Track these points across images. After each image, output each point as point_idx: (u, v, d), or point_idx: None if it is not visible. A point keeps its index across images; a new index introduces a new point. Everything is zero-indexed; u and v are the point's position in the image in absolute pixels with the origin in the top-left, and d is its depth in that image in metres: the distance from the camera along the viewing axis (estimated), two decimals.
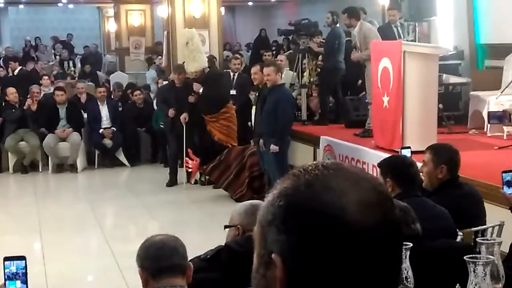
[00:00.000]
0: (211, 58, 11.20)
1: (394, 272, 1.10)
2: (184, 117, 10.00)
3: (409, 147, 5.60)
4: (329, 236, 1.03)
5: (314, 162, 1.13)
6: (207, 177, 10.08)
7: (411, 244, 2.69)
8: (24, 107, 11.80)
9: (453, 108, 9.83)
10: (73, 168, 11.79)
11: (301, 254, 1.05)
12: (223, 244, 3.48)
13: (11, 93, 11.98)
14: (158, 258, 2.95)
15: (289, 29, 11.78)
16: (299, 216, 1.05)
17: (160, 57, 16.75)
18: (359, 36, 8.94)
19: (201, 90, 9.88)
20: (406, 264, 2.68)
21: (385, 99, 7.80)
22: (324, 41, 11.02)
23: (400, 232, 1.10)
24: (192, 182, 10.20)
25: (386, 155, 6.68)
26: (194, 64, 10.07)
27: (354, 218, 1.04)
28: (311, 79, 11.04)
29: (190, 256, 3.14)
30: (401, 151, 5.46)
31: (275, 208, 1.08)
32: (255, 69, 9.08)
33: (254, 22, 25.33)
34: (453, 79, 9.83)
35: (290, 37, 14.33)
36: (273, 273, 1.07)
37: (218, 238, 3.94)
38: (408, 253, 2.67)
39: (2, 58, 20.83)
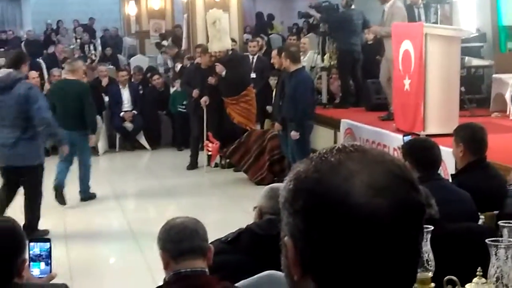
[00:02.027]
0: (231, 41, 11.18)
1: (411, 257, 1.08)
2: (204, 100, 10.00)
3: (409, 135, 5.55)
4: (334, 220, 1.03)
5: (334, 145, 1.12)
6: (227, 160, 10.10)
7: (432, 227, 2.67)
8: (44, 93, 11.85)
9: (475, 91, 9.74)
10: (94, 151, 11.82)
11: (308, 236, 1.05)
12: (244, 226, 3.48)
13: (33, 77, 12.04)
14: (179, 240, 2.96)
15: (310, 12, 11.72)
16: (304, 199, 1.06)
17: (165, 41, 16.81)
18: (388, 12, 8.85)
19: (223, 73, 9.85)
20: (426, 247, 2.67)
21: (406, 82, 7.75)
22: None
23: (420, 216, 1.08)
24: (213, 166, 10.22)
25: (407, 138, 6.66)
26: (219, 44, 10.06)
27: (360, 201, 1.03)
28: (331, 62, 10.98)
29: (210, 239, 3.15)
30: (403, 139, 5.44)
31: (286, 191, 1.10)
32: (273, 53, 9.06)
33: (274, 4, 25.20)
34: (475, 62, 9.75)
35: (311, 20, 14.27)
36: (287, 255, 1.10)
37: (238, 221, 3.95)
38: (428, 236, 2.66)
39: (23, 42, 20.94)
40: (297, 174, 1.09)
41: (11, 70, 7.06)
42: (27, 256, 2.66)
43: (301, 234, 1.06)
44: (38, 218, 7.22)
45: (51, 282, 2.81)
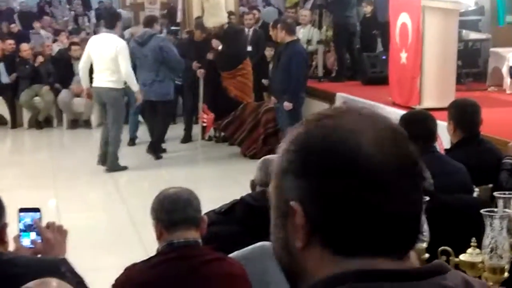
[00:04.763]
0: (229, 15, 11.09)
1: (417, 205, 1.07)
2: (201, 71, 9.95)
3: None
4: (348, 172, 1.01)
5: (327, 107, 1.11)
6: (221, 133, 10.06)
7: (428, 198, 2.65)
8: (35, 64, 11.78)
9: (472, 65, 9.70)
10: (87, 124, 11.80)
11: (322, 195, 1.02)
12: (238, 198, 3.46)
13: (25, 49, 11.97)
14: (172, 210, 2.94)
15: None
16: (315, 157, 1.03)
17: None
18: None
19: (220, 47, 9.78)
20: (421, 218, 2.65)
21: (403, 55, 7.70)
22: None
23: (417, 165, 1.07)
24: (206, 138, 10.19)
25: (402, 112, 6.63)
26: (213, 19, 9.97)
27: (371, 152, 1.02)
28: (327, 36, 10.91)
29: (204, 212, 3.13)
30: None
31: (290, 154, 1.06)
32: (271, 25, 9.01)
33: None
34: (473, 35, 9.69)
35: None
36: (293, 222, 1.05)
37: (232, 194, 3.91)
38: (423, 206, 2.64)
39: (17, 13, 20.75)
40: (298, 135, 1.07)
41: (147, 29, 9.24)
42: (7, 221, 2.60)
43: (313, 195, 1.03)
44: (162, 141, 9.52)
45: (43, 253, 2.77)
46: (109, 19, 8.93)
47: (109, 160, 8.71)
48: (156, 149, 9.36)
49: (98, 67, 8.53)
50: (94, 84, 8.62)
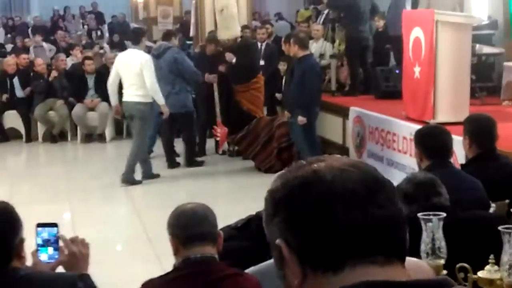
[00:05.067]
0: (243, 28, 11.13)
1: (396, 223, 1.14)
2: (215, 85, 10.00)
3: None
4: (312, 198, 1.11)
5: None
6: (235, 147, 10.07)
7: (444, 214, 2.65)
8: (50, 78, 11.86)
9: (486, 79, 9.66)
10: (101, 138, 11.85)
11: (293, 225, 1.12)
12: (253, 213, 3.47)
13: (39, 64, 12.07)
14: (188, 226, 2.95)
15: None
16: (279, 195, 1.15)
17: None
18: None
19: (233, 60, 9.82)
20: (438, 235, 2.64)
21: (417, 69, 7.69)
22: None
23: (390, 187, 1.16)
24: (220, 152, 10.20)
25: (416, 126, 6.62)
26: (226, 32, 10.02)
27: (330, 178, 1.12)
28: (340, 50, 10.93)
29: (219, 227, 3.13)
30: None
31: (266, 202, 1.19)
32: (283, 40, 9.04)
33: None
34: (486, 49, 9.65)
35: (319, 7, 14.19)
36: (285, 261, 1.14)
37: (246, 209, 3.92)
38: (441, 223, 2.63)
39: (30, 28, 20.91)
40: (269, 193, 1.19)
41: (162, 42, 9.67)
42: (24, 236, 2.61)
43: (286, 229, 1.13)
44: (194, 152, 9.75)
45: (59, 269, 2.78)
46: (134, 36, 9.11)
47: (124, 172, 8.77)
48: (192, 162, 9.62)
49: (126, 82, 8.72)
50: (123, 99, 8.82)
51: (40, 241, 2.65)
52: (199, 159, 9.82)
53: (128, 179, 8.74)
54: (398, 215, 1.15)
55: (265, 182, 1.16)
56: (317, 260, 1.11)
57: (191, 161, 9.64)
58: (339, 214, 1.09)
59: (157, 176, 9.02)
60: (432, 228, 2.62)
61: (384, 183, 1.16)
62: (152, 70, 8.59)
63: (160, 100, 8.71)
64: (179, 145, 10.00)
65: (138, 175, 8.91)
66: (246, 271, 3.05)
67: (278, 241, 1.14)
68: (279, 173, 1.21)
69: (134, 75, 8.58)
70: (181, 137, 9.77)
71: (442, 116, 7.27)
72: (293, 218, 1.12)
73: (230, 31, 10.07)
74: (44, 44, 16.70)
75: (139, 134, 8.81)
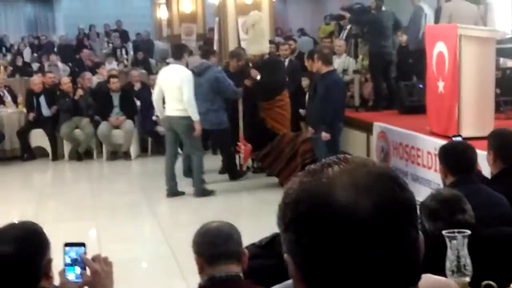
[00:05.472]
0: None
1: (407, 253, 1.08)
2: (239, 100, 10.07)
3: (459, 135, 5.45)
4: (321, 224, 1.05)
5: (323, 160, 1.15)
6: (259, 164, 10.08)
7: (469, 232, 2.64)
8: (75, 97, 11.99)
9: (510, 93, 9.59)
10: (126, 155, 11.94)
11: (300, 247, 1.08)
12: (278, 231, 3.47)
13: (65, 83, 12.20)
14: (213, 244, 2.96)
15: (342, 14, 11.67)
16: (290, 210, 1.09)
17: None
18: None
19: (258, 77, 9.86)
20: (463, 252, 2.63)
21: (440, 84, 7.67)
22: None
23: (410, 212, 1.08)
24: (244, 169, 10.22)
25: (440, 141, 6.60)
26: (255, 47, 10.07)
27: (342, 201, 1.04)
28: (363, 65, 10.93)
29: (243, 244, 3.14)
30: (451, 139, 5.34)
31: (278, 210, 1.14)
32: (306, 56, 9.07)
33: (305, 7, 25.17)
34: (511, 63, 9.61)
35: (341, 22, 14.20)
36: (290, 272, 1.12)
37: (271, 226, 3.92)
38: (466, 240, 2.63)
39: (56, 46, 21.17)
40: (284, 192, 1.13)
41: (203, 60, 9.72)
42: (52, 256, 2.65)
43: (294, 246, 1.09)
44: (234, 166, 9.96)
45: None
46: (177, 51, 9.23)
47: (196, 187, 9.05)
48: (235, 175, 9.88)
49: (168, 97, 8.90)
50: (166, 113, 8.99)
51: (68, 261, 2.68)
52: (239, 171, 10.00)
53: (202, 192, 9.01)
54: (414, 242, 1.09)
55: None
56: (317, 286, 1.08)
57: (234, 174, 9.88)
58: (348, 247, 1.03)
59: (182, 193, 9.07)
60: (457, 245, 2.61)
61: (404, 206, 1.08)
62: (191, 85, 8.73)
63: (195, 115, 8.80)
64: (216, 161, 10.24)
65: (161, 192, 8.97)
66: None
67: (286, 256, 1.11)
68: (294, 180, 1.13)
69: (175, 89, 8.75)
70: (220, 153, 10.18)
71: (467, 130, 7.23)
72: (300, 243, 1.07)
73: (259, 46, 10.11)
74: (59, 63, 16.90)
75: (193, 148, 9.03)
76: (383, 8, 10.53)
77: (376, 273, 1.04)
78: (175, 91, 8.76)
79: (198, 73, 9.31)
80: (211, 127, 9.29)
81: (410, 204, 1.09)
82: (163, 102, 9.05)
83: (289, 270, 1.12)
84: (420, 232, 1.11)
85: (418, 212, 2.69)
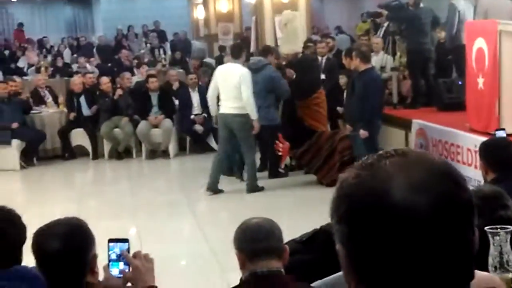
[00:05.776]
0: (306, 43, 11.19)
1: (461, 254, 1.07)
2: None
3: (503, 129, 5.40)
4: (375, 220, 1.04)
5: (379, 152, 1.14)
6: (297, 161, 10.09)
7: (511, 228, 2.62)
8: (115, 97, 12.12)
9: None
10: (165, 154, 12.03)
11: (354, 241, 1.07)
12: (318, 227, 3.48)
13: (105, 83, 12.34)
14: (254, 240, 2.99)
15: (379, 11, 11.63)
16: (346, 205, 1.08)
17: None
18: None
19: (293, 76, 9.88)
20: (506, 248, 2.61)
21: (480, 80, 7.60)
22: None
23: (467, 213, 1.07)
24: (282, 166, 10.23)
25: (481, 138, 6.54)
26: (287, 46, 10.09)
27: (398, 199, 1.03)
28: (401, 62, 10.87)
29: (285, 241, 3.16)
30: (495, 134, 5.30)
31: (332, 201, 1.12)
32: (343, 54, 9.06)
33: (342, 4, 25.10)
34: None
35: (378, 20, 14.14)
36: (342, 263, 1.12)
37: (310, 222, 3.94)
38: (509, 236, 2.61)
39: (95, 47, 21.42)
40: (339, 182, 1.12)
41: (260, 57, 9.78)
42: (97, 252, 2.70)
43: (347, 240, 1.08)
44: (276, 162, 9.89)
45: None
46: (236, 50, 9.33)
47: (249, 183, 9.18)
48: (276, 174, 9.88)
49: (224, 95, 8.99)
50: (220, 111, 9.09)
51: (113, 256, 2.72)
52: (281, 170, 10.00)
53: (253, 188, 9.15)
54: (469, 243, 1.08)
55: (328, 196, 1.14)
56: (373, 282, 1.07)
57: (276, 173, 9.90)
58: (402, 246, 1.03)
59: (221, 191, 9.12)
60: (500, 241, 2.59)
61: (461, 207, 1.06)
62: (250, 84, 8.80)
63: (254, 114, 8.89)
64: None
65: (200, 190, 9.04)
66: (313, 284, 3.07)
67: (338, 247, 1.11)
68: (349, 173, 1.12)
69: (233, 88, 8.82)
70: (262, 151, 10.15)
71: (508, 127, 7.14)
72: (353, 237, 1.07)
73: (292, 45, 10.14)
74: (87, 65, 17.10)
75: (246, 145, 9.12)
76: (421, 5, 10.46)
77: (428, 273, 1.04)
78: (233, 89, 8.82)
79: (255, 70, 9.36)
80: (264, 122, 9.30)
81: (468, 205, 1.07)
82: (217, 100, 9.17)
83: (340, 261, 1.12)
84: (476, 232, 1.09)
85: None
